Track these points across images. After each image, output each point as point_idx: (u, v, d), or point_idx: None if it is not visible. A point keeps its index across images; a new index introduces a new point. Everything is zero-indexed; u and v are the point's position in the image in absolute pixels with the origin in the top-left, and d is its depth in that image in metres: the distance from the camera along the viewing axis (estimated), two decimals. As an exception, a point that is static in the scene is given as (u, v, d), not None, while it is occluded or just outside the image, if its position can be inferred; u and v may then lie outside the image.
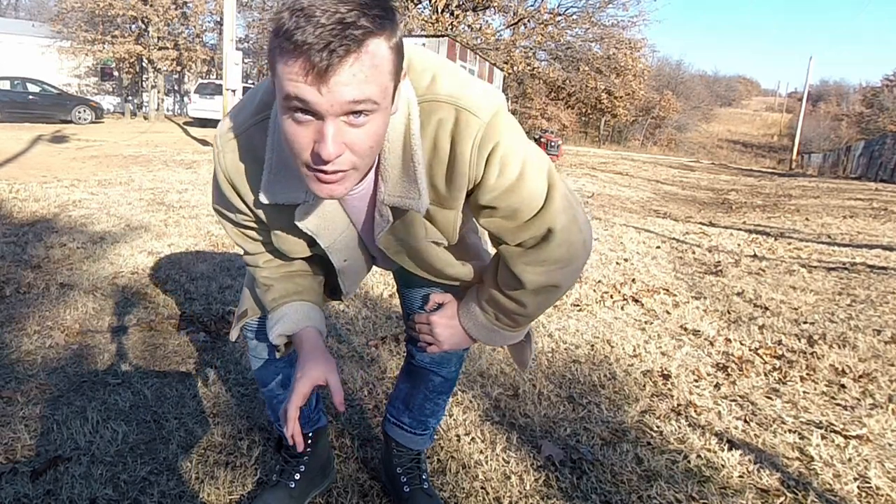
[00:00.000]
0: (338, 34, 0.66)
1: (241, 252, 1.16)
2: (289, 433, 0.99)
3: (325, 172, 0.76)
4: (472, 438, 1.69)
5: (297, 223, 0.96)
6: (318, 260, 1.14)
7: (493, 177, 0.89)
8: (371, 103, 0.71)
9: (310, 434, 1.39)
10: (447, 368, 1.31)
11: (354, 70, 0.68)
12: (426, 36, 16.36)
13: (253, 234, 1.09)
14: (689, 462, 1.63)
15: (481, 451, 1.63)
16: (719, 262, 4.29)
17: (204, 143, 12.63)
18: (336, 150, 0.72)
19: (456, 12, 21.87)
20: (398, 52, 0.73)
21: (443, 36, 15.80)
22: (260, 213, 1.00)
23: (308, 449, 1.39)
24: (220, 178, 0.98)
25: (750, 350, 2.52)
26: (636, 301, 3.14)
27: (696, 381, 2.19)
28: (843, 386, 2.20)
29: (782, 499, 1.50)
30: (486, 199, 0.92)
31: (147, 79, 23.46)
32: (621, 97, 29.70)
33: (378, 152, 0.82)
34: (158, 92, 23.14)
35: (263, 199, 0.93)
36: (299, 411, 1.01)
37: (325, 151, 0.72)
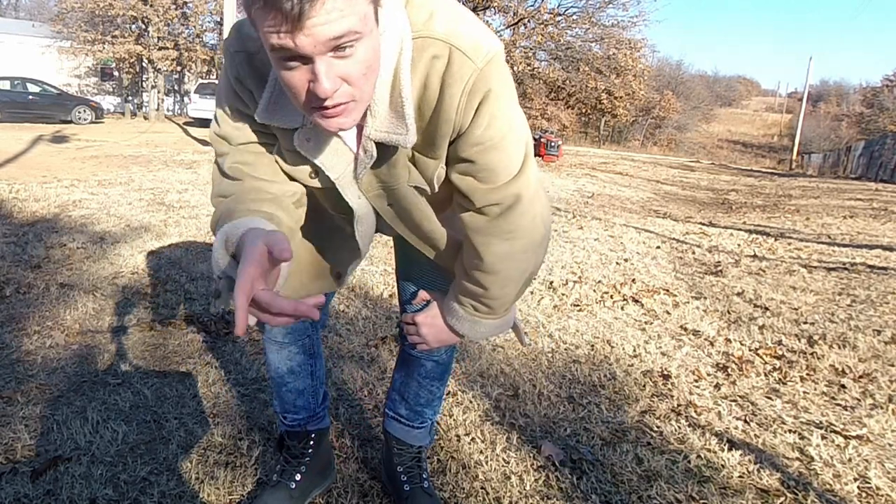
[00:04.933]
0: None
1: (219, 149, 1.00)
2: (239, 317, 0.69)
3: (328, 108, 0.76)
4: (472, 438, 1.69)
5: (297, 148, 0.92)
6: (314, 230, 1.10)
7: (480, 128, 0.87)
8: (353, 34, 0.70)
9: (313, 434, 1.39)
10: (438, 354, 1.32)
11: (328, 7, 0.67)
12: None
13: (247, 127, 0.97)
14: (689, 462, 1.63)
15: (481, 451, 1.63)
16: (719, 262, 4.29)
17: (204, 143, 12.63)
18: (332, 85, 0.72)
19: (456, 12, 21.84)
20: None
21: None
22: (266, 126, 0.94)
23: (310, 449, 1.39)
24: (229, 79, 0.93)
25: (750, 350, 2.52)
26: (636, 301, 3.14)
27: (696, 381, 2.19)
28: (843, 386, 2.20)
29: (782, 499, 1.49)
30: (467, 151, 0.89)
31: (147, 79, 23.45)
32: (621, 97, 29.67)
33: (375, 78, 0.80)
34: (158, 92, 23.13)
35: (260, 117, 0.91)
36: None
37: (321, 89, 0.72)
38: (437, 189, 0.98)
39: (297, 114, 0.89)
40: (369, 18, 0.73)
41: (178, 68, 24.42)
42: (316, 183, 0.99)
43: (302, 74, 0.73)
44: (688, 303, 3.19)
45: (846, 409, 2.01)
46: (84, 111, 17.24)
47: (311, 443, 1.39)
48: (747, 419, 1.90)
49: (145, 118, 22.11)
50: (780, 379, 2.24)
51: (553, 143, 16.33)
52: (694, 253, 4.64)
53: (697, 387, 2.13)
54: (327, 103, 0.74)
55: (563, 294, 3.17)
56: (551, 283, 3.37)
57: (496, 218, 0.96)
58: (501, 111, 0.87)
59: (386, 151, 0.91)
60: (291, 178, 1.00)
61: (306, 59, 0.71)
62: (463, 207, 0.98)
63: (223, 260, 0.82)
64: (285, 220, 0.94)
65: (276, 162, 0.99)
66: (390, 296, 2.91)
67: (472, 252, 1.01)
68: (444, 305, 1.15)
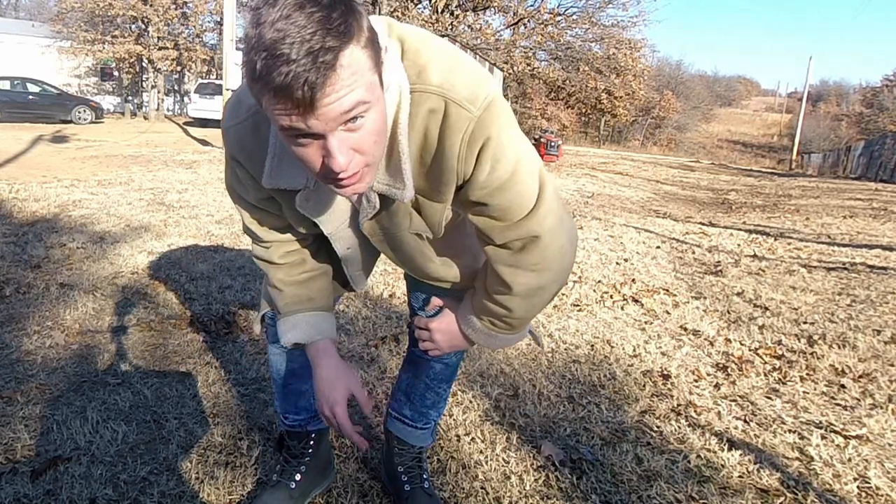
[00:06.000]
0: (311, 66, 0.66)
1: (253, 243, 1.15)
2: (356, 440, 1.07)
3: (342, 179, 0.77)
4: (472, 438, 1.69)
5: (297, 208, 0.96)
6: (327, 249, 1.14)
7: (484, 173, 0.87)
8: (362, 105, 0.72)
9: (313, 434, 1.39)
10: (448, 357, 1.32)
11: (337, 87, 0.68)
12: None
13: (268, 220, 1.08)
14: (689, 462, 1.63)
15: (481, 451, 1.63)
16: (719, 262, 4.29)
17: (204, 143, 12.63)
18: (345, 159, 0.74)
19: (456, 12, 21.86)
20: (371, 43, 0.73)
21: (443, 36, 15.80)
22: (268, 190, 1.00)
23: (310, 449, 1.39)
24: (229, 159, 1.01)
25: (750, 350, 2.52)
26: (636, 301, 3.14)
27: (696, 381, 2.19)
28: (843, 386, 2.20)
29: (782, 499, 1.50)
30: (476, 195, 0.90)
31: (147, 79, 23.45)
32: (621, 97, 29.70)
33: (385, 142, 0.81)
34: (158, 92, 23.13)
35: (266, 183, 0.94)
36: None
37: (336, 164, 0.73)
38: (441, 234, 1.01)
39: (300, 176, 0.93)
40: (375, 86, 0.74)
41: (178, 68, 24.43)
42: (314, 230, 1.05)
43: (315, 150, 0.74)
44: (688, 303, 3.19)
45: (846, 409, 2.01)
46: (84, 111, 17.23)
47: (312, 443, 1.39)
48: (747, 419, 1.90)
49: (145, 118, 22.10)
50: (779, 379, 2.24)
51: (553, 143, 16.34)
52: (694, 253, 4.64)
53: (697, 387, 2.13)
54: (342, 175, 0.76)
55: (562, 294, 3.17)
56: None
57: (520, 251, 0.97)
58: (503, 153, 0.87)
59: (387, 201, 0.94)
60: (293, 231, 1.09)
61: (318, 136, 0.73)
62: (485, 242, 1.00)
63: (288, 344, 1.15)
64: (325, 289, 1.19)
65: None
66: (390, 296, 2.91)
67: (498, 280, 1.01)
68: (460, 316, 1.15)
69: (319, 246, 1.16)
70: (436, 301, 1.20)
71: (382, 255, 1.19)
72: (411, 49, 0.86)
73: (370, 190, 0.91)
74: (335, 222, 1.01)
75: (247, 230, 1.13)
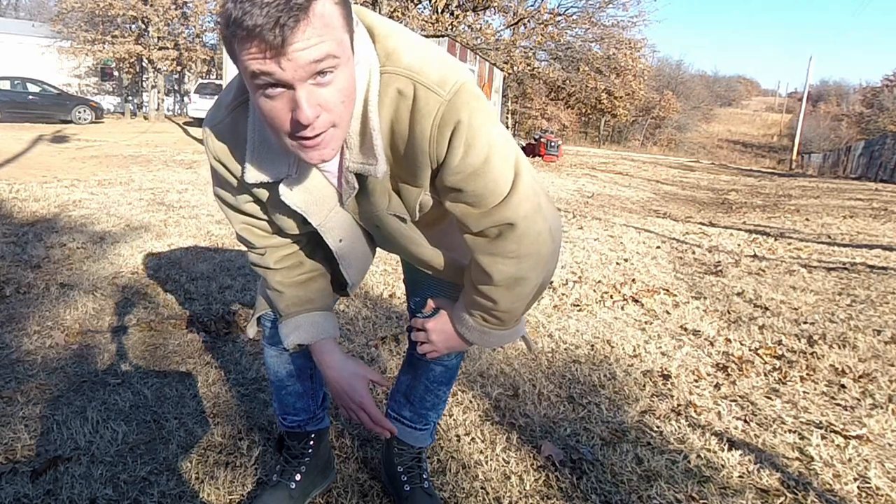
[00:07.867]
0: (283, 8, 0.68)
1: (248, 250, 1.15)
2: (384, 427, 1.14)
3: (308, 138, 0.78)
4: (472, 438, 1.69)
5: (282, 199, 0.96)
6: (322, 251, 1.14)
7: (457, 158, 0.87)
8: (332, 58, 0.74)
9: (312, 434, 1.39)
10: (448, 359, 1.31)
11: (308, 34, 0.70)
12: (426, 36, 16.35)
13: (258, 224, 1.09)
14: (689, 462, 1.63)
15: (481, 451, 1.63)
16: (719, 262, 4.29)
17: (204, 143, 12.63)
18: (313, 112, 0.75)
19: (456, 12, 21.86)
20: (344, 3, 0.76)
21: (443, 36, 15.80)
22: (254, 191, 1.01)
23: (310, 449, 1.39)
24: (211, 162, 1.02)
25: (750, 350, 2.52)
26: (636, 301, 3.14)
27: (696, 381, 2.19)
28: (843, 386, 2.20)
29: (782, 499, 1.50)
30: (450, 180, 0.90)
31: (147, 79, 23.44)
32: (621, 97, 29.67)
33: (352, 107, 0.83)
34: (158, 92, 23.12)
35: (249, 178, 0.94)
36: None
37: (304, 116, 0.75)
38: (417, 217, 1.01)
39: (281, 165, 0.93)
40: (346, 45, 0.76)
41: (178, 68, 24.41)
42: (305, 229, 1.05)
43: (283, 104, 0.76)
44: (688, 303, 3.19)
45: (846, 409, 2.01)
46: (84, 111, 17.22)
47: (311, 443, 1.39)
48: (747, 419, 1.90)
49: (145, 118, 22.09)
50: (780, 379, 2.24)
51: (553, 143, 16.34)
52: (694, 253, 4.64)
53: (697, 387, 2.13)
54: (308, 133, 0.77)
55: (563, 294, 3.17)
56: (551, 282, 3.37)
57: (496, 239, 0.97)
58: (476, 138, 0.87)
59: (365, 180, 0.95)
60: (284, 234, 1.09)
61: (288, 86, 0.74)
62: (463, 231, 1.00)
63: (291, 346, 1.15)
64: (325, 289, 1.19)
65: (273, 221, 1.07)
66: (390, 296, 2.91)
67: (480, 270, 1.01)
68: (453, 314, 1.15)
69: (314, 248, 1.16)
70: (431, 304, 1.21)
71: (378, 258, 1.20)
72: (381, 34, 0.87)
73: (347, 170, 0.93)
74: (323, 211, 1.00)
75: (240, 238, 1.13)
